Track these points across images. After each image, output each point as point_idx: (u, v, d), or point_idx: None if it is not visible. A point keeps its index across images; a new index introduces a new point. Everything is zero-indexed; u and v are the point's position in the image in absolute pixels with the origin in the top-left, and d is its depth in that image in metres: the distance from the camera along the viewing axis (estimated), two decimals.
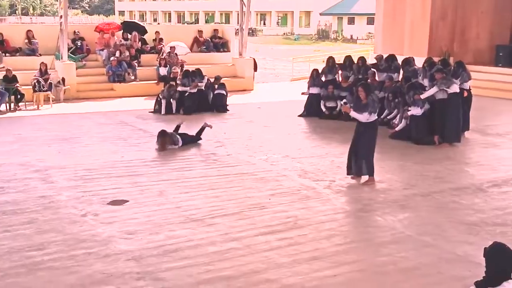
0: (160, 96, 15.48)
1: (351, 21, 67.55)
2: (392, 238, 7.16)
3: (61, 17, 17.85)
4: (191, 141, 11.98)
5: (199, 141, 12.08)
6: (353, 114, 9.25)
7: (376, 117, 9.27)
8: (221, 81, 16.59)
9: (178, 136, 11.80)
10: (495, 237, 6.88)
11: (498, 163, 10.81)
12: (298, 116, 15.34)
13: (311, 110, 15.33)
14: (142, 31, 21.12)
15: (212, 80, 16.54)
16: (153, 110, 15.57)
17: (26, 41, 18.87)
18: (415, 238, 7.15)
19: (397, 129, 12.67)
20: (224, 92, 16.20)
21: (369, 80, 14.21)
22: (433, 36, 21.04)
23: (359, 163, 9.31)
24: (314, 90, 15.41)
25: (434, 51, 20.78)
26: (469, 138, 12.87)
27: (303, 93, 15.77)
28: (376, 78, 14.83)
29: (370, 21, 49.59)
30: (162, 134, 11.56)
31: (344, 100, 13.89)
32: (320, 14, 70.16)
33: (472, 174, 10.16)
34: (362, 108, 9.09)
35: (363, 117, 9.07)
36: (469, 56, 19.80)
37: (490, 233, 7.24)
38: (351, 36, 63.58)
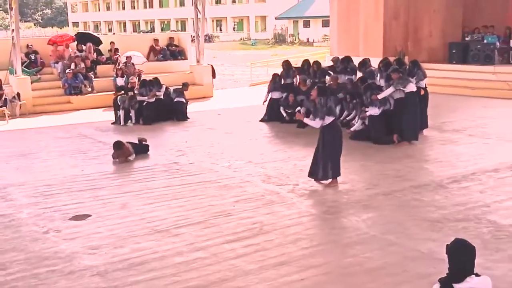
0: (120, 106, 15.29)
1: (306, 24, 68.08)
2: (357, 238, 7.22)
3: (12, 30, 17.54)
4: (141, 150, 11.85)
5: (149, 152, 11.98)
6: (306, 121, 9.30)
7: (333, 119, 9.24)
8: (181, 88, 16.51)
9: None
10: (458, 233, 7.01)
11: (456, 159, 11.00)
12: (260, 121, 15.36)
13: (272, 114, 15.34)
14: (97, 41, 20.91)
15: (171, 88, 16.42)
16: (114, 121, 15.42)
17: None
18: (380, 238, 7.22)
19: (352, 129, 12.83)
20: (183, 100, 16.12)
21: (331, 83, 14.32)
22: (387, 36, 21.34)
23: (325, 166, 9.33)
24: (275, 95, 15.44)
25: (388, 51, 21.08)
26: (427, 135, 13.08)
27: (264, 102, 15.69)
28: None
29: (325, 23, 50.07)
30: (118, 147, 11.38)
31: (298, 108, 13.97)
32: (276, 18, 70.55)
33: (432, 171, 10.32)
34: (314, 114, 9.13)
35: (316, 124, 9.12)
36: (423, 55, 20.13)
37: (452, 229, 7.36)
38: (307, 39, 64.04)
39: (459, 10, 22.03)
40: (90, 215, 8.20)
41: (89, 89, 18.67)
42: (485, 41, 20.38)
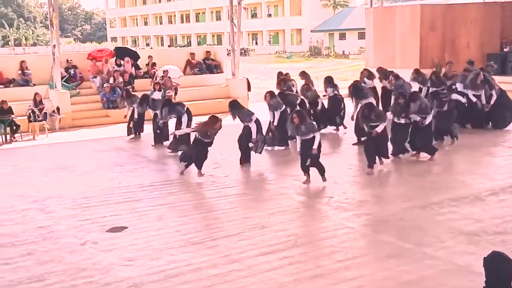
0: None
1: (342, 36, 67.92)
2: (392, 252, 7.15)
3: (53, 46, 17.92)
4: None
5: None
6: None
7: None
8: (214, 102, 16.55)
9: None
10: (496, 246, 6.88)
11: (494, 172, 10.83)
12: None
13: None
14: (135, 56, 21.20)
15: None
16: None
17: (20, 72, 18.92)
18: (415, 251, 7.14)
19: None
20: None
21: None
22: (424, 47, 21.14)
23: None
24: None
25: (425, 63, 20.89)
26: (467, 147, 12.91)
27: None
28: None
29: (361, 35, 49.81)
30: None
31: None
32: (311, 31, 70.58)
33: (470, 183, 10.14)
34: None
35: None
36: (460, 66, 19.84)
37: (490, 242, 7.23)
38: (343, 51, 63.89)
39: (497, 21, 21.72)
40: (126, 227, 8.31)
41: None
42: None
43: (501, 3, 23.67)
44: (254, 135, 11.52)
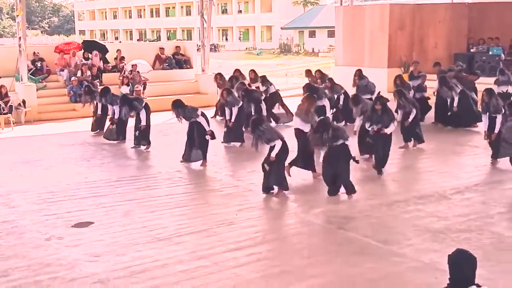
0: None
1: (312, 34, 68.20)
2: (359, 249, 7.20)
3: (19, 38, 17.61)
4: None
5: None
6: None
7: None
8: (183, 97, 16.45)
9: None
10: (460, 243, 6.98)
11: (459, 170, 10.99)
12: None
13: None
14: (103, 49, 20.96)
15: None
16: None
17: None
18: (382, 248, 7.20)
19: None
20: None
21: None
22: (392, 46, 21.34)
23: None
24: None
25: (394, 62, 21.11)
26: (430, 147, 13.06)
27: None
28: None
29: (331, 33, 50.06)
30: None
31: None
32: (282, 28, 70.71)
33: (435, 181, 10.27)
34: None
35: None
36: (428, 65, 20.07)
37: (454, 240, 7.34)
38: (313, 49, 64.17)
39: (464, 21, 22.02)
40: (92, 223, 8.21)
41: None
42: (490, 52, 20.37)
43: (468, 4, 23.99)
44: (206, 127, 11.46)
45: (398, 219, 8.27)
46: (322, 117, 10.00)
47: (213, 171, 11.21)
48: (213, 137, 11.63)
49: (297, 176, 10.34)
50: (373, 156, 10.99)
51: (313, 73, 17.21)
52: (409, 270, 6.53)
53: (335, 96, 14.87)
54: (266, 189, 9.49)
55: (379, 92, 14.59)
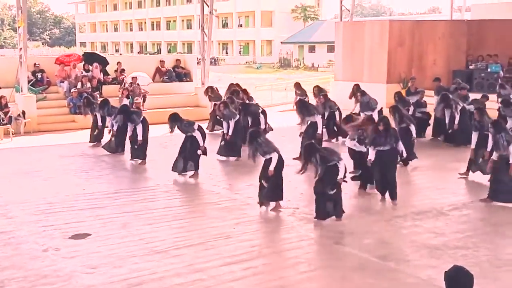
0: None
1: (312, 49, 68.40)
2: (356, 264, 7.20)
3: (20, 49, 17.68)
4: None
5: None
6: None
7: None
8: (182, 110, 16.54)
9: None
10: (457, 260, 6.97)
11: (457, 187, 10.99)
12: None
13: None
14: (104, 62, 21.03)
15: None
16: None
17: None
18: (379, 264, 7.21)
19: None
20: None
21: None
22: (392, 62, 21.45)
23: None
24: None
25: (393, 78, 21.20)
26: (428, 163, 13.08)
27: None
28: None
29: (331, 49, 50.25)
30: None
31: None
32: (282, 42, 70.95)
33: (433, 198, 10.28)
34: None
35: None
36: (427, 82, 20.14)
37: (452, 256, 7.34)
38: (312, 64, 64.33)
39: (463, 38, 22.14)
40: (90, 234, 8.21)
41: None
42: (488, 69, 20.46)
43: (467, 21, 24.16)
44: (201, 143, 11.53)
45: (396, 235, 8.28)
46: (310, 141, 9.51)
47: (211, 184, 11.22)
48: (205, 153, 11.70)
49: (295, 191, 10.35)
50: (378, 188, 10.16)
51: (302, 86, 18.07)
52: (406, 286, 6.53)
53: (328, 112, 14.89)
54: (262, 202, 9.51)
55: (382, 108, 14.61)
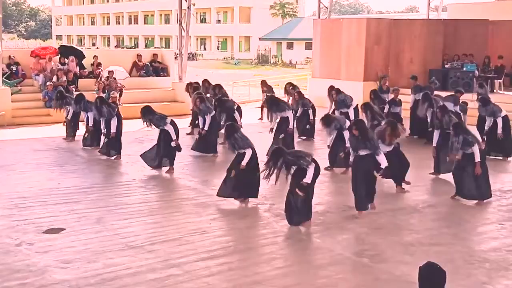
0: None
1: (290, 46, 68.50)
2: (331, 260, 7.24)
3: None
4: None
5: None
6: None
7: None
8: (159, 105, 16.48)
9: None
10: (430, 257, 7.04)
11: (433, 184, 11.08)
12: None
13: None
14: (80, 55, 20.83)
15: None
16: None
17: None
18: (353, 260, 7.27)
19: None
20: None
21: None
22: (369, 60, 21.55)
23: None
24: None
25: (370, 76, 21.31)
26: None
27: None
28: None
29: (309, 46, 50.33)
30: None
31: None
32: (260, 39, 70.93)
33: (408, 195, 10.36)
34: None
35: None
36: (403, 81, 20.31)
37: (425, 253, 7.41)
38: (290, 60, 64.43)
39: (440, 37, 22.32)
40: (64, 229, 8.14)
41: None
42: (464, 69, 20.67)
43: (443, 20, 24.39)
44: (173, 137, 11.50)
45: (370, 232, 8.33)
46: (277, 146, 9.14)
47: (187, 180, 11.19)
48: (178, 148, 11.65)
49: (272, 187, 10.34)
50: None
51: (268, 83, 18.53)
52: (380, 282, 6.58)
53: (302, 110, 14.95)
54: (225, 195, 9.59)
55: (357, 105, 14.66)
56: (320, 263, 7.15)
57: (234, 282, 6.48)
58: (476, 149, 9.54)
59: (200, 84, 17.63)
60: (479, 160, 9.57)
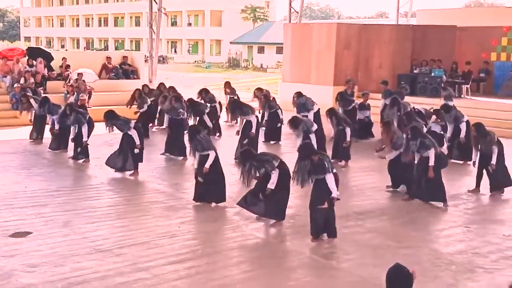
0: None
1: (260, 50, 68.68)
2: (299, 263, 7.28)
3: None
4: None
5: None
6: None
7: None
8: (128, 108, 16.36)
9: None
10: (398, 259, 7.10)
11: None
12: None
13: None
14: (48, 57, 20.59)
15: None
16: None
17: None
18: (322, 262, 7.31)
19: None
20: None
21: None
22: (339, 65, 21.69)
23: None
24: None
25: (339, 80, 21.43)
26: (369, 165, 13.30)
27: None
28: None
29: (279, 50, 50.60)
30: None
31: None
32: (231, 42, 70.97)
33: (377, 198, 10.45)
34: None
35: None
36: (372, 85, 20.51)
37: (394, 256, 7.48)
38: (261, 64, 64.57)
39: (409, 43, 22.61)
40: (31, 233, 8.04)
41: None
42: (432, 74, 20.96)
43: (412, 26, 24.69)
44: (137, 141, 11.39)
45: (339, 234, 8.35)
46: (245, 148, 9.47)
47: (157, 183, 11.13)
48: (141, 152, 11.59)
49: (243, 191, 10.36)
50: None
51: (231, 85, 18.85)
52: (347, 284, 6.63)
53: (268, 112, 15.00)
54: (199, 199, 9.59)
55: (319, 109, 14.75)
56: (289, 266, 7.17)
57: (201, 286, 6.48)
58: (431, 153, 9.71)
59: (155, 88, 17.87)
60: (433, 164, 9.74)
